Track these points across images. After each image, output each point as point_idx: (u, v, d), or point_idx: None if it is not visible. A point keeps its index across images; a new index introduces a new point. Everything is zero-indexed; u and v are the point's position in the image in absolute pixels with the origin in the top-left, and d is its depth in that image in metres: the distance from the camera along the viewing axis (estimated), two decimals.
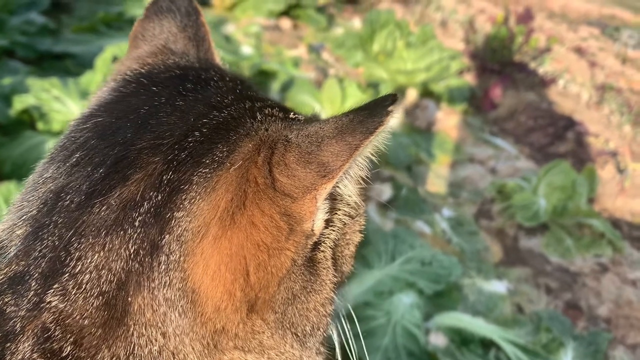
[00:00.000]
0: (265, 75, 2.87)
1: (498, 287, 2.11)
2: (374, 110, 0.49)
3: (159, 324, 0.45)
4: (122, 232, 0.45)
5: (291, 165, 0.48)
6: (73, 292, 0.44)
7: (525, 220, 2.40)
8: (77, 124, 0.54)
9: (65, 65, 2.48)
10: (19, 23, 2.48)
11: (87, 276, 0.44)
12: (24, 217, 0.48)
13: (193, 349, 0.46)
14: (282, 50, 3.42)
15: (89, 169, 0.48)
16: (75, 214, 0.45)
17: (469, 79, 3.66)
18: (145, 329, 0.44)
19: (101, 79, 2.03)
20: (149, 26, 0.68)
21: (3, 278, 0.46)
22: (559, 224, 2.44)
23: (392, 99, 0.49)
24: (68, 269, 0.44)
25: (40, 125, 1.96)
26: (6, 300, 0.44)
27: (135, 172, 0.47)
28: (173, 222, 0.45)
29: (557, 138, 3.22)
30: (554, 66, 4.16)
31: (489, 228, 2.42)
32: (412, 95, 3.12)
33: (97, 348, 0.43)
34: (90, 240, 0.45)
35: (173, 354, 0.45)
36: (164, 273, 0.45)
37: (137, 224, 0.45)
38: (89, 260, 0.44)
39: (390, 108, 0.48)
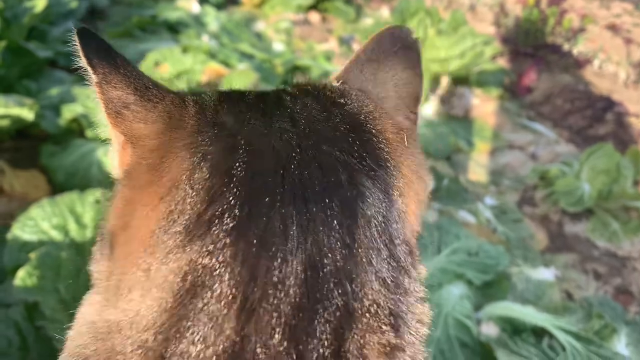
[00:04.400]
0: (299, 71, 2.89)
1: (546, 274, 2.10)
2: (409, 45, 0.63)
3: (414, 296, 0.51)
4: (378, 252, 0.49)
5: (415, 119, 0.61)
6: (374, 325, 0.47)
7: (570, 206, 2.38)
8: (238, 202, 0.46)
9: None
10: (60, 33, 2.54)
11: (375, 307, 0.47)
12: (275, 318, 0.44)
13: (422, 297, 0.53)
14: (313, 44, 3.42)
15: (322, 229, 0.47)
16: (344, 270, 0.46)
17: (502, 63, 3.62)
18: (410, 313, 0.50)
19: None
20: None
21: None
22: (604, 208, 2.41)
23: (403, 29, 0.64)
24: (359, 313, 0.46)
25: (89, 133, 2.01)
26: None
27: (360, 202, 0.49)
28: (397, 213, 0.52)
29: (596, 120, 3.16)
30: (588, 46, 4.08)
31: (533, 215, 2.41)
32: (447, 83, 3.11)
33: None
34: (364, 277, 0.47)
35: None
36: (407, 261, 0.51)
37: (376, 235, 0.49)
38: (372, 292, 0.47)
39: (415, 35, 0.63)
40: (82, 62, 0.49)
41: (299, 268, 0.44)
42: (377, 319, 0.46)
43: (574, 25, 3.96)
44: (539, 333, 1.80)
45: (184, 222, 0.46)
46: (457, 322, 1.76)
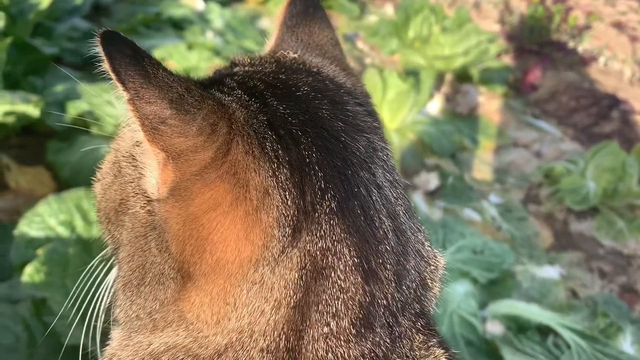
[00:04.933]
0: None
1: (551, 272, 2.10)
2: (317, 4, 0.68)
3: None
4: (404, 190, 0.56)
5: None
6: (426, 255, 0.56)
7: (575, 204, 2.38)
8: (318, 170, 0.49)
9: None
10: (65, 30, 2.54)
11: (422, 242, 0.55)
12: (363, 277, 0.49)
13: None
14: None
15: (384, 183, 0.53)
16: (405, 215, 0.54)
17: (507, 61, 3.61)
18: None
19: None
20: None
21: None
22: (609, 207, 2.40)
23: None
24: (421, 247, 0.55)
25: (94, 130, 2.01)
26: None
27: (389, 152, 0.57)
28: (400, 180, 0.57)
29: (601, 118, 3.16)
30: (593, 43, 4.06)
31: (538, 213, 2.41)
32: (451, 80, 3.10)
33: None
34: (412, 215, 0.55)
35: None
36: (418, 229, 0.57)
37: (403, 213, 0.54)
38: (417, 230, 0.55)
39: None
40: (110, 75, 0.45)
41: (388, 222, 0.50)
42: (425, 250, 0.55)
43: (579, 23, 3.95)
44: (544, 331, 1.80)
45: (289, 221, 0.46)
46: (462, 320, 1.75)
